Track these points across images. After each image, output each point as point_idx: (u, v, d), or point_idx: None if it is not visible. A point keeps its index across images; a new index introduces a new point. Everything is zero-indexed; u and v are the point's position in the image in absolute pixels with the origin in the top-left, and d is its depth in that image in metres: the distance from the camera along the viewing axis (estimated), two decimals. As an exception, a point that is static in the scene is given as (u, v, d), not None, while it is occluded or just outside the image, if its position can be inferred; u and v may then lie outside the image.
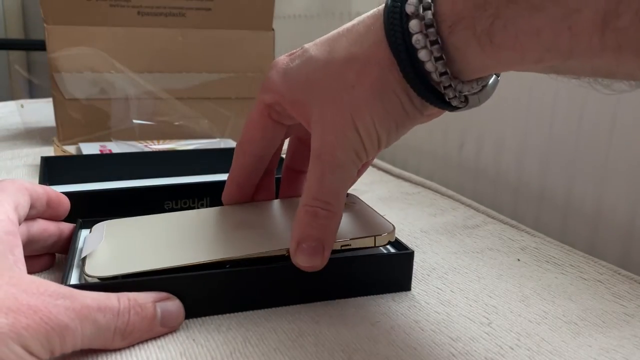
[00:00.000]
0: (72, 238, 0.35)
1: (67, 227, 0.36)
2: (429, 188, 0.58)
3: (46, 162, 0.51)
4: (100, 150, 0.63)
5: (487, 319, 0.32)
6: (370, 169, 0.67)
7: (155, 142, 0.68)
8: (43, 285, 0.25)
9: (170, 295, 0.30)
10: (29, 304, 0.23)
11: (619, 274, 0.39)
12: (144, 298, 0.28)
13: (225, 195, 0.38)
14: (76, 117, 0.69)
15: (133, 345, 0.28)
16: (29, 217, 0.33)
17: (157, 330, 0.28)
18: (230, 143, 0.69)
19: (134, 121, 0.69)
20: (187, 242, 0.34)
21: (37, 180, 0.55)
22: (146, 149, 0.63)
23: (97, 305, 0.26)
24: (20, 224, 0.30)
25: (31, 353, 0.23)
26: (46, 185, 0.41)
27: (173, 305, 0.29)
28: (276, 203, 0.39)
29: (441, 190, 0.57)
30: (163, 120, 0.70)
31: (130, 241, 0.34)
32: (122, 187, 0.46)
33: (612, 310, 0.34)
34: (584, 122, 0.49)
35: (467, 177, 0.63)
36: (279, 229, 0.35)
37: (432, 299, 0.34)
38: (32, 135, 0.78)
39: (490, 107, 0.59)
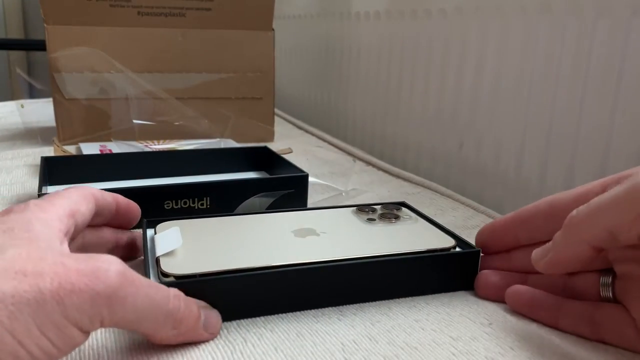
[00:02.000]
0: (143, 239, 0.35)
1: (124, 234, 0.36)
2: (429, 188, 0.58)
3: (46, 162, 0.51)
4: (100, 150, 0.63)
5: (487, 319, 0.32)
6: (370, 169, 0.67)
7: (155, 142, 0.68)
8: (96, 255, 0.24)
9: (209, 305, 0.29)
10: (77, 268, 0.22)
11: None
12: (189, 299, 0.28)
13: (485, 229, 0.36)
14: (76, 117, 0.69)
15: (136, 347, 0.28)
16: (94, 224, 0.33)
17: (200, 332, 0.28)
18: (231, 143, 0.69)
19: (134, 121, 0.69)
20: (258, 245, 0.34)
21: (37, 180, 0.55)
22: (146, 149, 0.63)
23: (148, 283, 0.25)
24: (78, 231, 0.30)
25: (75, 324, 0.22)
26: (46, 186, 0.41)
27: (213, 312, 0.29)
28: (340, 211, 0.40)
29: (441, 190, 0.57)
30: (163, 120, 0.70)
31: (203, 242, 0.34)
32: (122, 187, 0.46)
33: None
34: (583, 122, 0.49)
35: (467, 177, 0.63)
36: (343, 237, 0.36)
37: (432, 299, 0.34)
38: (32, 135, 0.78)
39: (490, 106, 0.59)
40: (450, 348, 0.29)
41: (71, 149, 0.65)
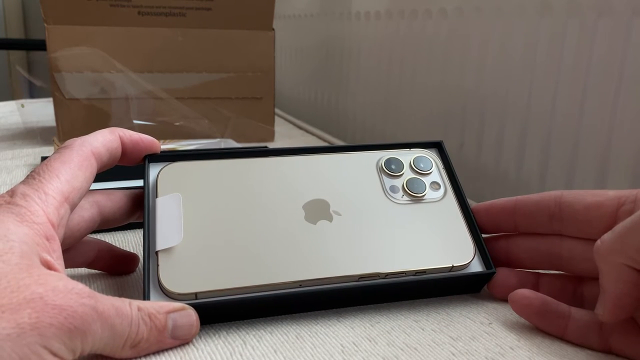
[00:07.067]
0: (144, 179, 0.33)
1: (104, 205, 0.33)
2: (429, 188, 0.58)
3: (46, 162, 0.51)
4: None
5: (487, 319, 0.32)
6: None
7: (156, 142, 0.68)
8: (71, 284, 0.24)
9: (186, 306, 0.28)
10: (54, 303, 0.23)
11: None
12: (156, 308, 0.27)
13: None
14: (76, 117, 0.69)
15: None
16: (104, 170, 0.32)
17: (167, 342, 0.28)
18: (231, 143, 0.69)
19: (134, 121, 0.69)
20: (264, 243, 0.32)
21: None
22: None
23: (116, 311, 0.25)
24: (75, 204, 0.29)
25: (54, 354, 0.22)
26: None
27: (186, 316, 0.28)
28: (362, 164, 0.37)
29: (441, 190, 0.57)
30: (163, 120, 0.70)
31: (204, 234, 0.32)
32: (122, 187, 0.46)
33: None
34: (584, 122, 0.49)
35: (467, 177, 0.63)
36: (356, 230, 0.34)
37: (432, 299, 0.34)
38: (32, 135, 0.78)
39: (491, 106, 0.59)
40: (450, 348, 0.29)
41: (71, 149, 0.65)
